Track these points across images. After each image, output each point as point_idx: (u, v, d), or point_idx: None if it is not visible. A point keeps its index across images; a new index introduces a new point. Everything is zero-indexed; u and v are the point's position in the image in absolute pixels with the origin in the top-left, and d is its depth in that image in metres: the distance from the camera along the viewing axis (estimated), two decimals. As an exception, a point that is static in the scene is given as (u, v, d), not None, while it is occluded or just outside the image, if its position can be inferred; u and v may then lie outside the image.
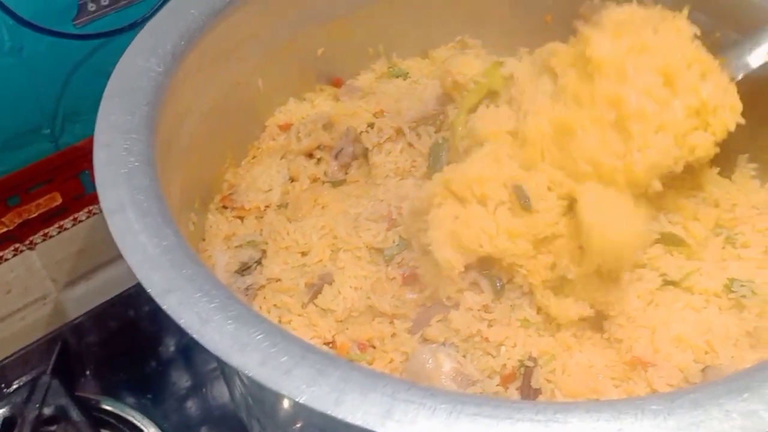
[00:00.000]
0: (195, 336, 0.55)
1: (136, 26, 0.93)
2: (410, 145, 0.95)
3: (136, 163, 0.68)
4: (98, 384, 1.08)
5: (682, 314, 0.74)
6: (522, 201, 0.76)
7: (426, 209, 0.80)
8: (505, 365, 0.75)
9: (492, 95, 0.87)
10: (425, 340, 0.78)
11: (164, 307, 0.57)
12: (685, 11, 0.79)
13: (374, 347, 0.79)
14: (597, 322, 0.78)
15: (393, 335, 0.79)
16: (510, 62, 0.88)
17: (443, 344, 0.77)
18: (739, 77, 0.80)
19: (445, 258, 0.76)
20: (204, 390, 1.07)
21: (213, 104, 0.89)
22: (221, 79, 0.89)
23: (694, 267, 0.80)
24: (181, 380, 1.08)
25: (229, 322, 0.56)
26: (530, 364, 0.74)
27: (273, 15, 0.93)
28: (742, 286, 0.78)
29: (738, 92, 0.78)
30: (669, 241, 0.82)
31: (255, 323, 0.56)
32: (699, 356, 0.73)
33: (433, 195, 0.80)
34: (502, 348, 0.76)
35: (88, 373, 1.09)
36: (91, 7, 0.92)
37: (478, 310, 0.78)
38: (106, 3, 0.93)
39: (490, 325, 0.77)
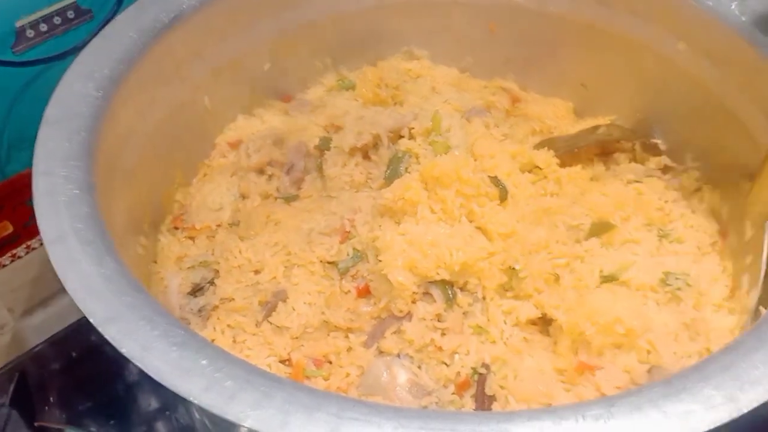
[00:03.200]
0: (138, 364, 0.55)
1: (76, 51, 0.91)
2: (366, 158, 0.96)
3: (76, 191, 0.67)
4: (62, 412, 1.05)
5: (622, 312, 0.74)
6: (500, 189, 0.82)
7: (395, 209, 0.82)
8: (459, 373, 0.75)
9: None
10: (381, 352, 0.79)
11: (107, 336, 0.57)
12: None
13: (330, 362, 0.79)
14: (544, 325, 0.78)
15: (348, 349, 0.79)
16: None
17: (398, 356, 0.78)
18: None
19: (398, 281, 0.77)
20: (168, 413, 1.06)
21: (158, 125, 0.88)
22: (165, 100, 0.89)
23: (630, 261, 0.80)
24: (146, 404, 1.07)
25: (173, 348, 0.56)
26: (483, 371, 0.75)
27: (214, 34, 0.93)
28: (677, 278, 0.80)
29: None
30: (600, 229, 0.84)
31: (199, 348, 0.56)
32: (642, 356, 0.74)
33: (407, 189, 0.81)
34: (456, 356, 0.77)
35: (51, 400, 1.07)
36: (30, 33, 0.91)
37: (431, 320, 0.79)
38: (45, 29, 0.92)
39: (443, 334, 0.78)
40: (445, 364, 0.77)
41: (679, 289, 0.79)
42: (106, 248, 0.63)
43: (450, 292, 0.80)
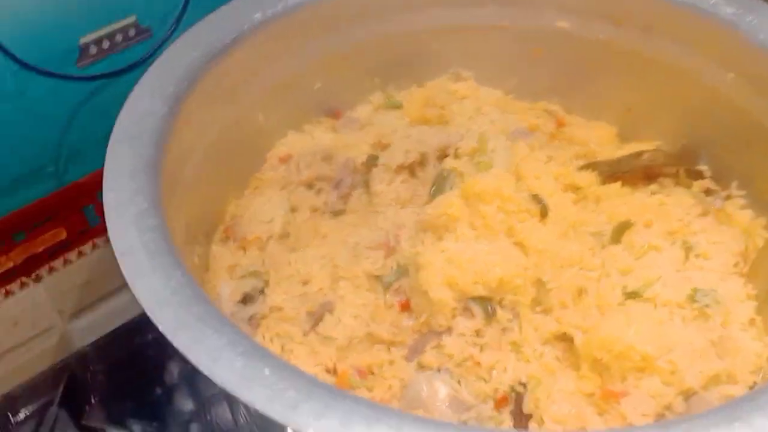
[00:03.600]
0: (206, 373, 0.57)
1: (136, 67, 0.96)
2: (412, 175, 0.98)
3: (144, 205, 0.70)
4: (104, 413, 1.08)
5: (635, 338, 0.74)
6: (541, 206, 0.85)
7: (437, 224, 0.84)
8: (497, 389, 0.77)
9: None
10: (421, 366, 0.81)
11: (175, 344, 0.59)
12: None
13: (373, 374, 0.81)
14: (571, 342, 0.80)
15: (391, 362, 0.82)
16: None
17: (438, 371, 0.80)
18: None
19: (437, 297, 0.80)
20: (207, 416, 1.09)
21: (214, 141, 0.91)
22: (222, 117, 0.92)
23: (655, 276, 0.81)
24: (186, 406, 1.10)
25: (238, 358, 0.58)
26: (520, 389, 0.77)
27: (270, 56, 0.96)
28: (705, 295, 0.80)
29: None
30: (620, 230, 0.86)
31: (262, 358, 0.58)
32: (666, 378, 0.74)
33: (449, 205, 0.84)
34: (494, 372, 0.79)
35: (93, 402, 1.10)
36: (93, 50, 0.95)
37: (470, 335, 0.81)
38: (107, 46, 0.96)
39: (482, 350, 0.80)
40: (484, 379, 0.79)
41: (707, 305, 0.79)
42: (173, 262, 0.66)
43: (489, 308, 0.82)
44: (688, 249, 0.86)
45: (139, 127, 0.78)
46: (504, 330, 0.82)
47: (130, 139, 0.76)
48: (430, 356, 0.81)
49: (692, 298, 0.80)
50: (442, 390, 0.78)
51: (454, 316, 0.82)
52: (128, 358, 1.15)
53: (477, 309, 0.82)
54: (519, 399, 0.76)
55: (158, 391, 1.11)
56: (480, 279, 0.80)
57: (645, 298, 0.80)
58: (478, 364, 0.79)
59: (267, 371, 0.57)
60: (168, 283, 0.64)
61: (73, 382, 1.07)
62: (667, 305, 0.80)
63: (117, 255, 0.66)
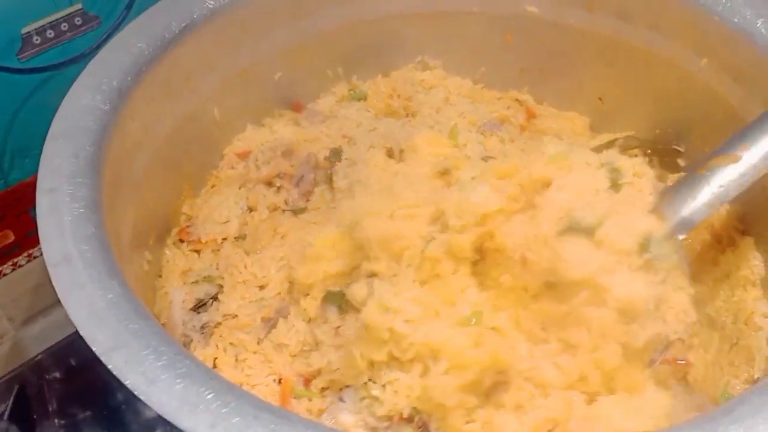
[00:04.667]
0: (142, 397, 0.53)
1: (83, 58, 0.90)
2: None
3: (81, 210, 0.65)
4: (62, 422, 1.04)
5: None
6: None
7: None
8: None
9: None
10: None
11: (110, 366, 0.55)
12: None
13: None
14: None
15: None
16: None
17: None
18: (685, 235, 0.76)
19: None
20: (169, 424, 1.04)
21: (166, 137, 0.86)
22: (173, 112, 0.87)
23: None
24: (149, 412, 1.05)
25: (178, 381, 0.54)
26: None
27: (225, 44, 0.91)
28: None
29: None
30: None
31: (205, 381, 0.54)
32: None
33: None
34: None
35: (50, 409, 1.06)
36: (36, 40, 0.89)
37: None
38: (51, 35, 0.90)
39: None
40: None
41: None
42: (111, 271, 0.61)
43: None
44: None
45: (78, 124, 0.72)
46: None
47: (68, 137, 0.71)
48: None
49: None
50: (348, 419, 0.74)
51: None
52: (85, 363, 1.10)
53: None
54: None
55: (119, 397, 1.07)
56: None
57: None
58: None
59: (210, 395, 0.53)
60: (104, 295, 0.59)
61: (24, 392, 1.02)
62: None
63: (48, 266, 0.61)
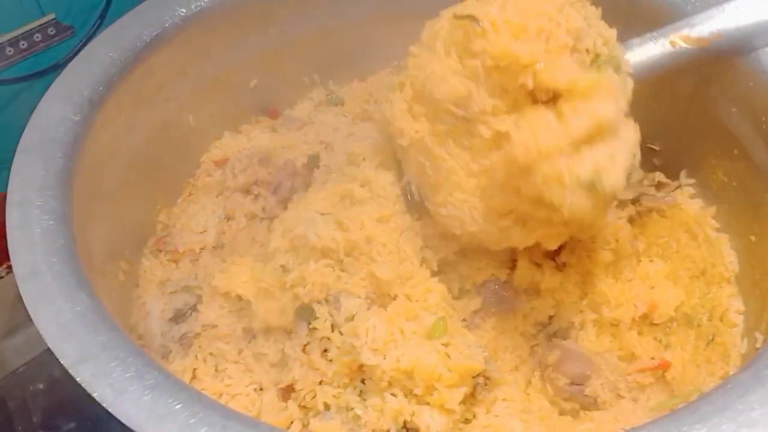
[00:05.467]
0: (110, 410, 0.53)
1: (58, 67, 0.91)
2: None
3: (51, 222, 0.65)
4: (44, 435, 1.04)
5: None
6: None
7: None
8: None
9: None
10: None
11: (78, 379, 0.55)
12: None
13: (295, 391, 0.75)
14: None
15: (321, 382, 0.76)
16: None
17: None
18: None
19: None
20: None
21: (140, 146, 0.86)
22: (146, 121, 0.87)
23: None
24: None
25: (146, 392, 0.54)
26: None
27: (198, 51, 0.91)
28: None
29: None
30: None
31: (173, 392, 0.54)
32: None
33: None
34: None
35: (35, 421, 1.05)
36: (9, 51, 0.89)
37: None
38: (25, 46, 0.90)
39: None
40: None
41: None
42: (80, 283, 0.61)
43: None
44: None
45: (49, 136, 0.72)
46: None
47: (39, 148, 0.71)
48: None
49: None
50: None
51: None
52: (68, 375, 1.09)
53: None
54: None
55: (103, 407, 1.06)
56: None
57: None
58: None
59: (178, 406, 0.53)
60: (72, 308, 0.59)
61: (6, 405, 1.01)
62: None
63: (17, 280, 0.60)
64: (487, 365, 0.70)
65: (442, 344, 0.68)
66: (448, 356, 0.68)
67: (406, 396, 0.69)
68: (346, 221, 0.76)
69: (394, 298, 0.74)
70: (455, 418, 0.69)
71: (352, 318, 0.72)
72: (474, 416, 0.71)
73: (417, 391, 0.68)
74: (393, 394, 0.68)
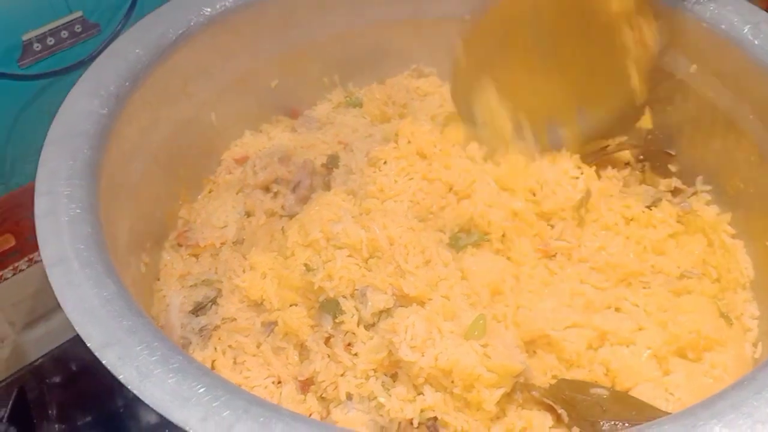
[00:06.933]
0: (135, 392, 0.54)
1: (83, 64, 0.91)
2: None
3: (78, 211, 0.66)
4: (62, 427, 1.04)
5: None
6: None
7: None
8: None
9: None
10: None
11: (104, 362, 0.56)
12: None
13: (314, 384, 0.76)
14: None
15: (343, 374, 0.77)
16: None
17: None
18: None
19: None
20: (174, 428, 1.05)
21: (163, 142, 0.88)
22: (171, 117, 0.88)
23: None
24: (147, 418, 1.06)
25: (171, 375, 0.55)
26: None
27: (222, 51, 0.92)
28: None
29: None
30: None
31: (197, 376, 0.55)
32: None
33: None
34: None
35: (51, 414, 1.06)
36: (37, 47, 0.90)
37: None
38: (52, 43, 0.91)
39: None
40: None
41: None
42: (107, 270, 0.62)
43: None
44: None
45: (76, 129, 0.74)
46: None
47: (66, 140, 0.72)
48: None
49: None
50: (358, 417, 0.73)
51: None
52: (86, 368, 1.11)
53: None
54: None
55: (119, 402, 1.07)
56: None
57: None
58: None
59: (201, 389, 0.54)
60: (99, 293, 0.60)
61: (24, 395, 1.03)
62: None
63: (46, 266, 0.62)
64: (525, 366, 0.70)
65: (481, 345, 0.69)
66: (488, 356, 0.69)
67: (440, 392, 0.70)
68: (367, 222, 0.77)
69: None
70: (490, 416, 0.70)
71: (378, 313, 0.73)
72: (504, 413, 0.71)
73: (456, 390, 0.68)
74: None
